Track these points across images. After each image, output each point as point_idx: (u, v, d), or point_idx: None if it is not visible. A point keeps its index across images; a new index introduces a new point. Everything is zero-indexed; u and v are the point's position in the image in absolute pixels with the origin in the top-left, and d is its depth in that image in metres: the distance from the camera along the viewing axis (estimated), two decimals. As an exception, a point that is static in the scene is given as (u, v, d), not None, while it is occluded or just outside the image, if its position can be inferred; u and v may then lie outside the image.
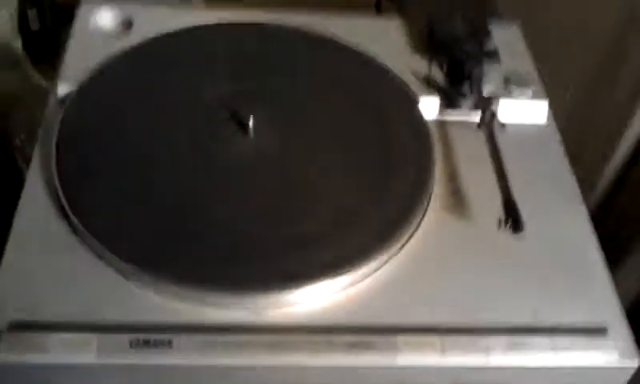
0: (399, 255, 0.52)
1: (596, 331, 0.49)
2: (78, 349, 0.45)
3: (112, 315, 0.47)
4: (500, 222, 0.51)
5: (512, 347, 0.48)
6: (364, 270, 0.50)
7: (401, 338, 0.47)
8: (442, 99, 0.63)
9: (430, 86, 0.64)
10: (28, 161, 0.55)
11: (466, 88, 0.63)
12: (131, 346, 0.45)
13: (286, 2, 0.69)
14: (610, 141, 1.05)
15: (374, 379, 0.48)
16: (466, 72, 0.63)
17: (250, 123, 0.57)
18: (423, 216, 0.54)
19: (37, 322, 0.46)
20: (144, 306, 0.48)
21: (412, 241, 0.53)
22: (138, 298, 0.48)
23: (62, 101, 0.59)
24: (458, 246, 0.53)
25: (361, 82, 0.64)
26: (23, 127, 0.71)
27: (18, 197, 0.53)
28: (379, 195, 0.55)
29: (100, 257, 0.49)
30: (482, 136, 0.59)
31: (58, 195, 0.52)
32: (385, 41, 0.68)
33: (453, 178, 0.58)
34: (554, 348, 0.48)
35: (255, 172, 0.56)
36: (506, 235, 0.51)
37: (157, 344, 0.46)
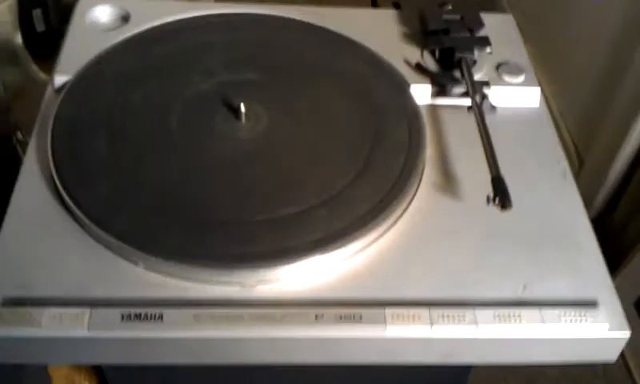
0: (390, 232, 0.52)
1: (586, 304, 0.49)
2: (71, 323, 0.46)
3: (104, 291, 0.48)
4: (488, 198, 0.51)
5: (501, 319, 0.48)
6: (354, 246, 0.50)
7: (389, 311, 0.47)
8: (433, 86, 0.64)
9: (423, 72, 0.64)
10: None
11: (457, 74, 0.64)
12: (123, 320, 0.46)
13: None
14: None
15: (363, 352, 0.48)
16: (456, 58, 0.63)
17: (242, 109, 0.58)
18: (414, 194, 0.55)
19: (30, 297, 0.47)
20: (135, 282, 0.48)
21: (403, 218, 0.53)
22: (129, 274, 0.49)
23: (59, 90, 0.61)
24: (447, 223, 0.53)
25: (353, 69, 0.64)
26: (24, 122, 0.72)
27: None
28: (371, 175, 0.55)
29: (92, 235, 0.50)
30: (473, 119, 0.59)
31: (52, 178, 0.53)
32: (379, 31, 0.69)
33: (444, 158, 0.58)
34: (543, 320, 0.48)
35: (246, 154, 0.57)
36: (495, 212, 0.51)
37: (148, 318, 0.46)
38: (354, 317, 0.47)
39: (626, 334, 0.48)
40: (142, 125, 0.58)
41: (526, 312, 0.48)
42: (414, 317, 0.47)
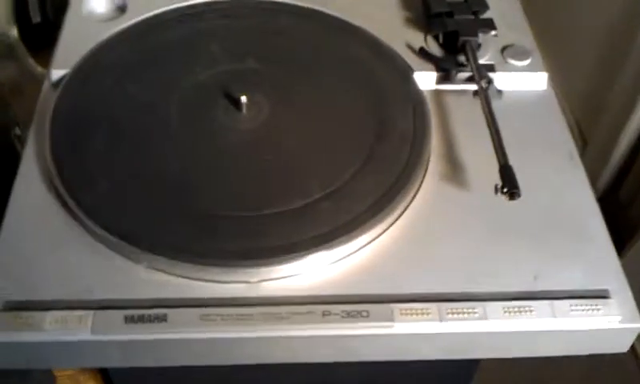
0: (396, 225, 0.52)
1: (597, 295, 0.48)
2: (74, 326, 0.45)
3: (107, 292, 0.47)
4: (496, 188, 0.50)
5: (511, 313, 0.47)
6: (360, 240, 0.50)
7: (397, 307, 0.47)
8: (438, 71, 0.62)
9: (426, 57, 0.63)
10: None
11: (462, 58, 0.62)
12: (126, 322, 0.45)
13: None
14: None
15: (371, 348, 0.48)
16: (460, 41, 0.62)
17: (243, 100, 0.57)
18: (420, 185, 0.54)
19: (32, 301, 0.46)
20: (139, 282, 0.48)
21: (409, 210, 0.52)
22: (132, 274, 0.48)
23: (56, 84, 0.59)
24: (455, 213, 0.52)
25: (356, 55, 0.63)
26: (21, 117, 0.71)
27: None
28: (375, 166, 0.54)
29: (94, 235, 0.49)
30: (478, 104, 0.58)
31: (51, 177, 0.52)
32: (381, 15, 0.67)
33: (449, 146, 0.57)
34: (554, 313, 0.47)
35: (248, 146, 0.56)
36: (503, 201, 0.50)
37: (152, 319, 0.46)
38: (361, 313, 0.46)
39: (638, 325, 0.48)
40: (142, 120, 0.57)
41: (536, 304, 0.47)
42: (422, 312, 0.47)
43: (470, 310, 0.47)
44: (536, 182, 0.54)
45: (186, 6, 0.66)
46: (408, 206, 0.53)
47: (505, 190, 0.50)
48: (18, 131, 0.71)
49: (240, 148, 0.56)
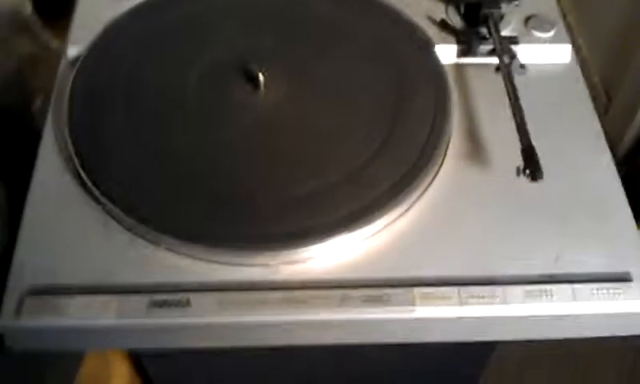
0: (415, 206, 0.51)
1: (619, 278, 0.48)
2: (98, 311, 0.46)
3: (130, 277, 0.48)
4: (518, 169, 0.50)
5: (532, 297, 0.47)
6: (379, 223, 0.49)
7: (418, 291, 0.47)
8: (459, 45, 0.61)
9: (447, 30, 0.62)
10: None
11: (483, 30, 0.61)
12: (150, 307, 0.46)
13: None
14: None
15: (390, 332, 0.48)
16: (482, 14, 0.60)
17: (261, 78, 0.56)
18: (440, 166, 0.53)
19: (56, 286, 0.47)
20: (161, 267, 0.48)
21: (428, 191, 0.52)
22: (155, 259, 0.48)
23: (73, 62, 0.59)
24: (476, 194, 0.52)
25: (376, 28, 0.62)
26: (41, 89, 0.71)
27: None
28: (395, 145, 0.53)
29: (116, 219, 0.50)
30: (501, 79, 0.57)
31: (71, 158, 0.52)
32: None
33: (470, 124, 0.56)
34: (575, 296, 0.47)
35: (266, 127, 0.55)
36: (525, 182, 0.50)
37: (175, 304, 0.46)
38: (381, 298, 0.47)
39: (661, 308, 0.47)
40: (159, 99, 0.56)
41: (557, 288, 0.47)
42: (442, 297, 0.47)
43: (491, 294, 0.47)
44: (558, 160, 0.53)
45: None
46: (428, 187, 0.52)
47: (527, 171, 0.49)
48: (38, 104, 0.71)
49: (258, 128, 0.55)
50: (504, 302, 0.47)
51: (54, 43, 0.70)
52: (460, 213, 0.51)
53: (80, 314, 0.46)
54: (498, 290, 0.47)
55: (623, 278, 0.48)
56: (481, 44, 0.60)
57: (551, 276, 0.48)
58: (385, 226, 0.50)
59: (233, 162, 0.53)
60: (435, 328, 0.48)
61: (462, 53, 0.61)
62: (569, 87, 0.59)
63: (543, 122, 0.54)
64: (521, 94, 0.54)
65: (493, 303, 0.46)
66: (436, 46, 0.60)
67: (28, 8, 0.67)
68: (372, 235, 0.49)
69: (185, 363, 0.70)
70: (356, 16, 0.63)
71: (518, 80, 0.55)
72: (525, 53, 0.60)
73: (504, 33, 0.60)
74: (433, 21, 0.63)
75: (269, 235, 0.48)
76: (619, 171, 0.54)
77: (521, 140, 0.51)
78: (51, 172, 0.53)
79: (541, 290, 0.47)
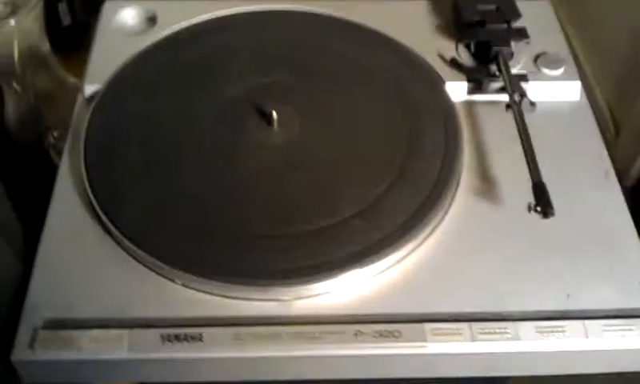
0: (427, 242, 0.52)
1: (631, 314, 0.48)
2: (111, 345, 0.46)
3: (143, 311, 0.48)
4: (530, 206, 0.50)
5: (543, 333, 0.47)
6: (391, 258, 0.50)
7: (429, 326, 0.47)
8: (469, 82, 0.62)
9: (458, 67, 0.63)
10: (62, 156, 0.56)
11: (493, 68, 0.62)
12: (162, 341, 0.46)
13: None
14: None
15: (402, 367, 0.48)
16: (493, 52, 0.61)
17: (274, 116, 0.57)
18: (452, 201, 0.54)
19: (70, 319, 0.47)
20: (174, 301, 0.48)
21: (440, 227, 0.52)
22: (167, 293, 0.49)
23: (89, 100, 0.60)
24: (487, 230, 0.52)
25: (386, 65, 0.63)
26: (56, 125, 0.72)
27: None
28: (407, 181, 0.54)
29: (130, 254, 0.50)
30: (511, 114, 0.57)
31: (87, 194, 0.53)
32: (411, 25, 0.67)
33: (482, 159, 0.57)
34: (587, 333, 0.47)
35: (280, 163, 0.56)
36: (536, 218, 0.50)
37: (188, 338, 0.47)
38: (392, 333, 0.47)
39: (673, 345, 0.47)
40: (174, 137, 0.57)
41: (568, 324, 0.47)
42: (454, 332, 0.47)
43: (502, 330, 0.47)
44: (569, 197, 0.54)
45: (214, 18, 0.66)
46: (439, 223, 0.52)
47: (538, 208, 0.49)
48: (52, 139, 0.72)
49: (271, 165, 0.56)
50: (516, 338, 0.47)
51: (70, 79, 0.72)
52: (471, 249, 0.51)
53: (92, 347, 0.46)
54: (510, 325, 0.47)
55: (635, 315, 0.48)
56: (491, 81, 0.61)
57: (563, 312, 0.48)
58: (396, 262, 0.50)
59: (247, 198, 0.54)
60: (446, 363, 0.48)
61: (473, 90, 0.62)
62: (579, 124, 0.60)
63: (553, 159, 0.54)
64: (531, 131, 0.54)
65: (504, 339, 0.47)
66: (447, 83, 0.61)
67: (46, 45, 0.68)
68: (384, 271, 0.50)
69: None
70: (368, 54, 0.64)
71: (528, 117, 0.56)
72: (534, 90, 0.61)
73: (514, 70, 0.61)
74: (443, 58, 0.64)
75: (282, 271, 0.49)
76: (627, 203, 0.54)
77: (532, 177, 0.51)
78: (67, 207, 0.53)
79: (552, 327, 0.47)
